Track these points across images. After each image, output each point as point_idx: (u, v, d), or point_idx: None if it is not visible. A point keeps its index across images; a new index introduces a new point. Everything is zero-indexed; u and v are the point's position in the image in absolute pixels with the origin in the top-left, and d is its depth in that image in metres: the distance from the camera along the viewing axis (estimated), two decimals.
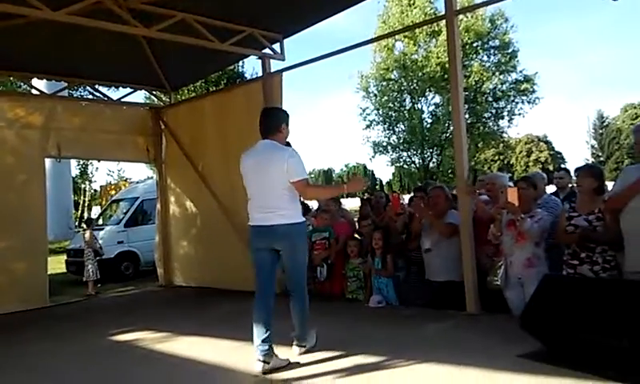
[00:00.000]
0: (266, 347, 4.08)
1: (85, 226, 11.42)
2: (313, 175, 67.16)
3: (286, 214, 4.16)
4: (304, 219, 4.42)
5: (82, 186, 30.59)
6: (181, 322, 6.34)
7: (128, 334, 5.88)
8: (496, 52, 29.37)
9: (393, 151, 31.37)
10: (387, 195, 7.73)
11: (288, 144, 4.41)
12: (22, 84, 15.55)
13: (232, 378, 4.13)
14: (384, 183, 64.55)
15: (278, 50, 7.85)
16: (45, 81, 11.62)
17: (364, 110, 31.12)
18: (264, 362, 4.05)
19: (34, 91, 9.67)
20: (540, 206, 5.25)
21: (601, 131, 59.18)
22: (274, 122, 4.36)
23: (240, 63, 20.80)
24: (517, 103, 30.20)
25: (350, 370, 4.00)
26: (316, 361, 4.30)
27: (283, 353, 4.33)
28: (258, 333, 4.14)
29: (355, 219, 7.87)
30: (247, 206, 4.39)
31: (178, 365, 4.62)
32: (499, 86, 29.59)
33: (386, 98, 30.05)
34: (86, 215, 27.93)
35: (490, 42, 29.16)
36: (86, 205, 29.90)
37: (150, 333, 5.82)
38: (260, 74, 8.27)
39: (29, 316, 7.49)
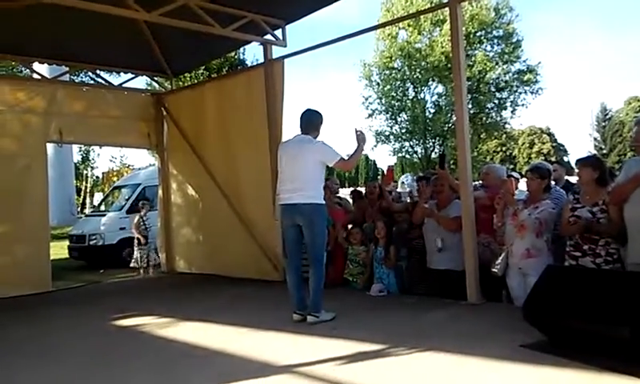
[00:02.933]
0: (304, 306, 5.02)
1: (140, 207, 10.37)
2: None
3: (308, 194, 4.91)
4: (324, 202, 5.08)
5: (84, 172, 30.62)
6: (183, 307, 6.34)
7: (131, 318, 5.89)
8: (500, 42, 29.23)
9: (395, 141, 31.32)
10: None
11: None
12: (23, 68, 15.49)
13: (234, 363, 4.14)
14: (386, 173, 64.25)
15: (280, 37, 7.79)
16: (46, 65, 11.57)
17: (367, 99, 31.01)
18: (313, 315, 4.92)
19: (35, 76, 9.62)
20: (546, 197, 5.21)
21: (604, 124, 58.90)
22: (312, 122, 5.17)
23: (241, 50, 20.78)
24: (520, 94, 30.11)
25: (350, 358, 4.00)
26: (317, 347, 4.30)
27: (286, 338, 4.35)
28: (294, 296, 5.10)
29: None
30: (277, 187, 5.28)
31: (181, 349, 4.62)
32: (502, 77, 29.46)
33: (388, 86, 29.95)
34: (96, 198, 27.89)
35: (494, 32, 29.00)
36: (88, 191, 29.93)
37: (152, 318, 5.83)
38: (261, 61, 8.23)
39: (32, 300, 7.50)
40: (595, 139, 58.63)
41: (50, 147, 9.32)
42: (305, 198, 4.90)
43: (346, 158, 5.24)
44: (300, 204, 4.91)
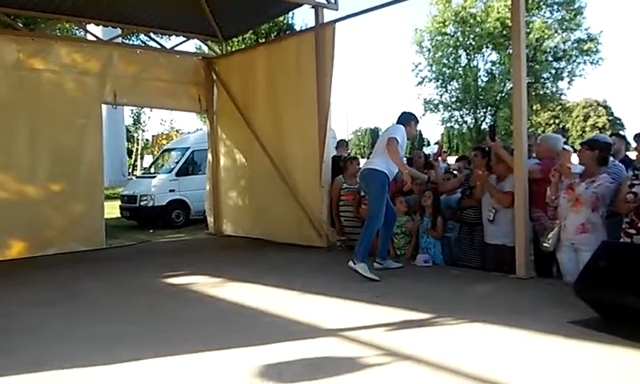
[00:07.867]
0: (382, 257, 5.88)
1: None
2: (360, 133, 66.54)
3: (372, 162, 5.76)
4: (384, 171, 5.58)
5: (135, 134, 31.38)
6: (230, 269, 6.48)
7: (180, 277, 6.07)
8: (560, 8, 27.84)
9: (444, 110, 30.63)
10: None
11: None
12: (77, 31, 15.80)
13: (281, 323, 4.22)
14: (432, 144, 63.13)
15: (332, 0, 7.67)
16: (101, 28, 11.78)
17: (417, 66, 30.36)
18: (352, 260, 5.43)
19: (89, 37, 9.78)
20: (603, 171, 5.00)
21: None
22: (405, 117, 5.95)
23: (290, 14, 20.58)
24: (578, 64, 28.75)
25: (395, 325, 4.00)
26: (361, 314, 4.33)
27: (330, 303, 4.41)
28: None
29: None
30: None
31: (228, 308, 4.75)
32: (561, 45, 28.15)
33: (440, 53, 29.17)
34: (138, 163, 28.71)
35: None
36: (139, 153, 30.71)
37: (201, 277, 6.00)
38: (311, 25, 8.12)
39: (86, 256, 7.83)
40: None
41: (103, 109, 9.55)
42: (368, 165, 5.83)
43: (401, 154, 5.74)
44: (363, 169, 5.93)
